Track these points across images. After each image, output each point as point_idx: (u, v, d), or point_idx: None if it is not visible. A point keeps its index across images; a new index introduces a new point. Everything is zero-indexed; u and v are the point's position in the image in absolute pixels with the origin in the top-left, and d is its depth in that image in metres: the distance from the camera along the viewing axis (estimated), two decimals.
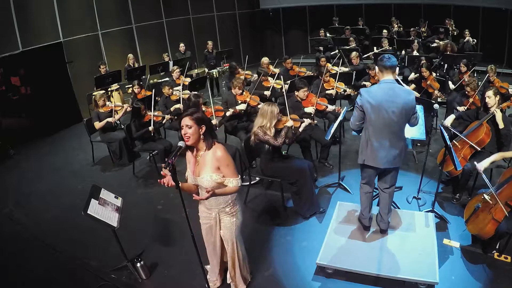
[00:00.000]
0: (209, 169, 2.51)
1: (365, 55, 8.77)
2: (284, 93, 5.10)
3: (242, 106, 5.27)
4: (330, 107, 5.29)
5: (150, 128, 5.16)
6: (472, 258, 3.36)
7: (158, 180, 2.38)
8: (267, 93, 6.03)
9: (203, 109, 5.00)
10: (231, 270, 2.99)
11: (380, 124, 3.05)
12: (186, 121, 2.43)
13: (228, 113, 5.21)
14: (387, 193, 3.39)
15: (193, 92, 5.32)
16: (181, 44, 9.07)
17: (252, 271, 3.25)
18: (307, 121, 4.48)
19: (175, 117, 5.78)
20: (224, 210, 2.70)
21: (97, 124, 5.62)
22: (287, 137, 3.94)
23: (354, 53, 7.60)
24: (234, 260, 2.92)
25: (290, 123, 4.09)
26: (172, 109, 5.89)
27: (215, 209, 2.69)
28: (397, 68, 3.08)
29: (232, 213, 2.73)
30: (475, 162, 3.41)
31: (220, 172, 2.52)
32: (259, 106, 5.29)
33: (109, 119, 5.62)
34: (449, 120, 4.28)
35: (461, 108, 5.12)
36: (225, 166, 2.51)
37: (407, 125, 3.14)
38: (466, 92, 5.16)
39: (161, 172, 2.39)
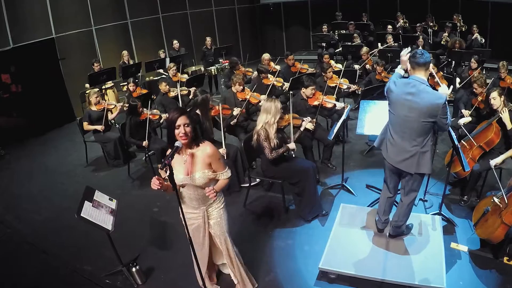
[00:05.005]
0: (201, 166, 2.56)
1: (370, 52, 8.77)
2: (290, 92, 5.09)
3: (236, 112, 5.24)
4: (339, 105, 5.26)
5: (144, 143, 5.09)
6: (481, 262, 3.36)
7: (155, 186, 2.37)
8: (263, 97, 6.00)
9: (211, 106, 4.97)
10: (233, 269, 2.98)
11: (396, 119, 3.03)
12: (184, 119, 2.44)
13: (235, 112, 5.20)
14: (402, 201, 3.31)
15: (203, 90, 5.27)
16: (175, 41, 9.06)
17: (253, 276, 3.24)
18: (307, 119, 4.50)
19: None
20: (212, 205, 2.75)
21: (86, 126, 5.63)
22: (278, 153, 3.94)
23: (365, 49, 7.64)
24: (232, 258, 2.93)
25: (292, 145, 4.08)
26: None
27: (203, 206, 2.72)
28: (431, 66, 2.98)
29: (220, 207, 2.79)
30: (490, 160, 3.42)
31: (211, 168, 2.59)
32: (260, 104, 5.31)
33: (98, 127, 5.59)
34: (465, 120, 4.25)
35: (466, 112, 4.99)
36: (216, 161, 2.60)
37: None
38: (474, 90, 5.09)
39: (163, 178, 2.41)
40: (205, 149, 2.56)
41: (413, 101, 2.88)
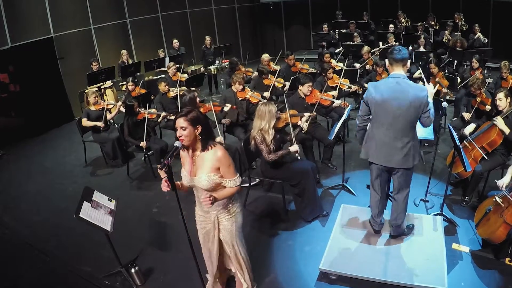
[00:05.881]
0: (207, 169, 2.50)
1: (371, 51, 8.77)
2: (285, 92, 5.08)
3: (227, 108, 5.24)
4: (337, 102, 5.27)
5: (142, 143, 5.08)
6: (482, 263, 3.36)
7: (164, 188, 2.40)
8: (267, 94, 6.03)
9: (200, 105, 4.99)
10: (242, 274, 2.94)
11: (384, 120, 3.05)
12: (181, 122, 2.41)
13: (226, 108, 5.20)
14: (396, 199, 3.34)
15: (189, 89, 5.31)
16: (175, 40, 9.07)
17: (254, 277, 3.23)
18: (306, 114, 4.48)
19: (171, 114, 5.78)
20: (223, 211, 2.69)
21: (84, 121, 5.61)
22: (278, 155, 3.89)
23: (366, 48, 7.67)
24: (241, 264, 2.90)
25: (294, 148, 3.99)
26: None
27: (213, 211, 2.68)
28: (409, 62, 3.03)
29: (232, 214, 2.73)
30: (496, 180, 3.44)
31: (219, 173, 2.52)
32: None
33: (98, 124, 5.59)
34: (470, 129, 4.26)
35: (466, 115, 5.07)
36: (226, 167, 2.52)
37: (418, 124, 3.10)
38: (472, 92, 5.15)
39: (162, 178, 2.41)
40: (215, 152, 2.50)
41: (399, 97, 2.94)
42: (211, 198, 2.42)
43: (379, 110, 3.05)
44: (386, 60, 3.07)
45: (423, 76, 5.35)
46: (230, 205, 2.71)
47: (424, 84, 3.14)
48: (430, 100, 3.01)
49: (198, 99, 4.85)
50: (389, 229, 3.58)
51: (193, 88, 6.57)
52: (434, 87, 3.13)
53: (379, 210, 3.49)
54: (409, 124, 3.02)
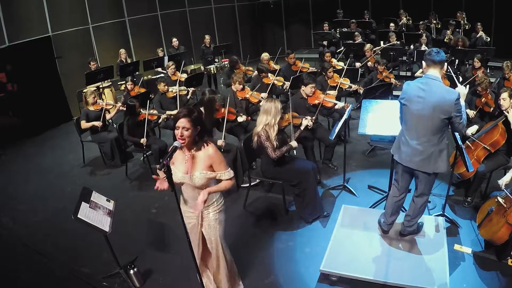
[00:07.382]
0: (201, 167, 2.56)
1: (373, 49, 8.76)
2: (290, 90, 5.06)
3: (242, 119, 5.23)
4: (339, 104, 5.27)
5: (142, 140, 5.09)
6: (484, 264, 3.36)
7: (155, 187, 2.48)
8: (264, 95, 6.01)
9: (218, 108, 4.94)
10: (216, 272, 2.93)
11: (409, 119, 3.07)
12: (184, 122, 2.43)
13: (240, 119, 5.16)
14: (415, 202, 3.34)
15: (211, 89, 5.22)
16: (174, 39, 9.08)
17: (246, 280, 3.23)
18: (308, 118, 4.51)
19: (172, 115, 5.77)
20: (208, 207, 2.72)
21: (84, 124, 5.61)
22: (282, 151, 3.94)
23: (368, 45, 7.68)
24: (219, 261, 2.89)
25: (294, 144, 4.06)
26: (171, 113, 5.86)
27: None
28: (445, 64, 3.04)
29: (216, 211, 2.75)
30: (497, 180, 3.44)
31: (212, 170, 2.59)
32: (260, 104, 5.30)
33: (96, 123, 5.58)
34: (472, 130, 4.25)
35: (470, 113, 5.05)
36: (218, 164, 2.59)
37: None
38: (478, 91, 5.14)
39: (153, 176, 2.49)
40: (207, 151, 2.56)
41: (425, 98, 2.92)
42: (205, 197, 2.50)
43: (405, 109, 3.08)
44: (423, 62, 3.03)
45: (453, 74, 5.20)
46: (217, 201, 2.75)
47: None
48: (463, 102, 2.94)
49: (217, 102, 4.80)
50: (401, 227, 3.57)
51: (191, 89, 6.58)
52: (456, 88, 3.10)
53: (393, 210, 3.46)
54: (433, 127, 2.95)
